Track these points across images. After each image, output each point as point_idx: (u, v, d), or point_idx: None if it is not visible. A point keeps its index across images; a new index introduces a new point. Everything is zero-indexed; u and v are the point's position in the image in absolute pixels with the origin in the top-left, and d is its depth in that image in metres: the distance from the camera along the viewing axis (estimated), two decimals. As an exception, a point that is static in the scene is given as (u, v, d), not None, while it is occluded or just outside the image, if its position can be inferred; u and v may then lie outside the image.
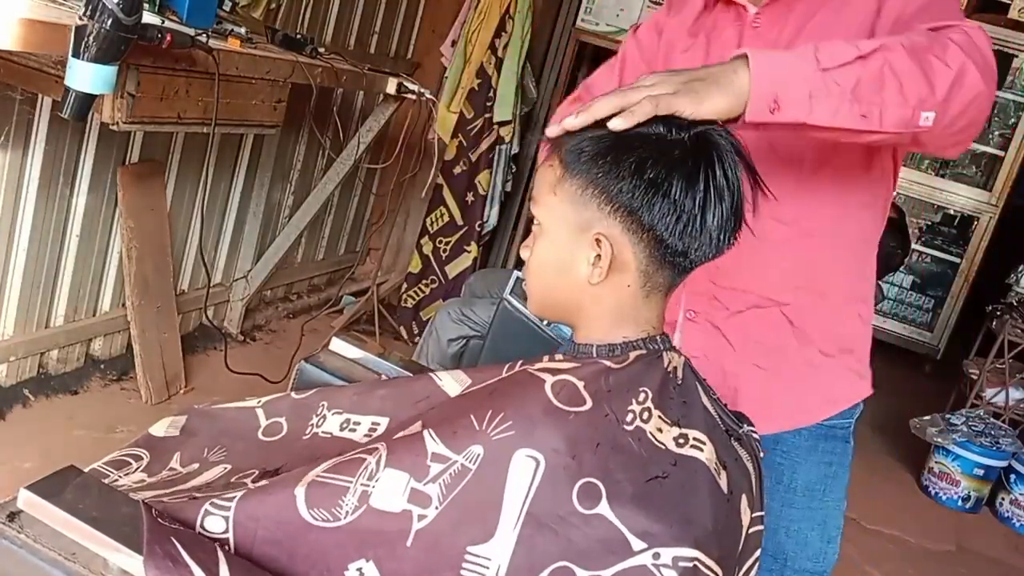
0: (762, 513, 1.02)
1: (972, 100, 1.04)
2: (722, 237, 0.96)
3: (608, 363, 0.94)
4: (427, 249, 3.83)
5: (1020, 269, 4.29)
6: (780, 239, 1.25)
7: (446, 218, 3.79)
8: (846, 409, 1.33)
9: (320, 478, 0.88)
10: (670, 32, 1.38)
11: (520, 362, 0.98)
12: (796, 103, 0.97)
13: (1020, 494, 3.61)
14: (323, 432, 1.04)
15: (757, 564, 1.01)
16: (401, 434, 0.93)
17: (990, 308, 4.25)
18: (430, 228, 3.82)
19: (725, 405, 1.06)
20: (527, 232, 1.21)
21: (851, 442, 1.35)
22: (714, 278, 1.28)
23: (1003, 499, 3.67)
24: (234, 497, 0.87)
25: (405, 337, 3.83)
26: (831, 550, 1.36)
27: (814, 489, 1.33)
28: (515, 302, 1.87)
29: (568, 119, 0.96)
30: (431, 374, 1.06)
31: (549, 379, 0.91)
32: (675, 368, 0.98)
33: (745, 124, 0.98)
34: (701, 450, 0.92)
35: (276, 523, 0.86)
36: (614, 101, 0.94)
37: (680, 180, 0.92)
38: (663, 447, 0.91)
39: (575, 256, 0.97)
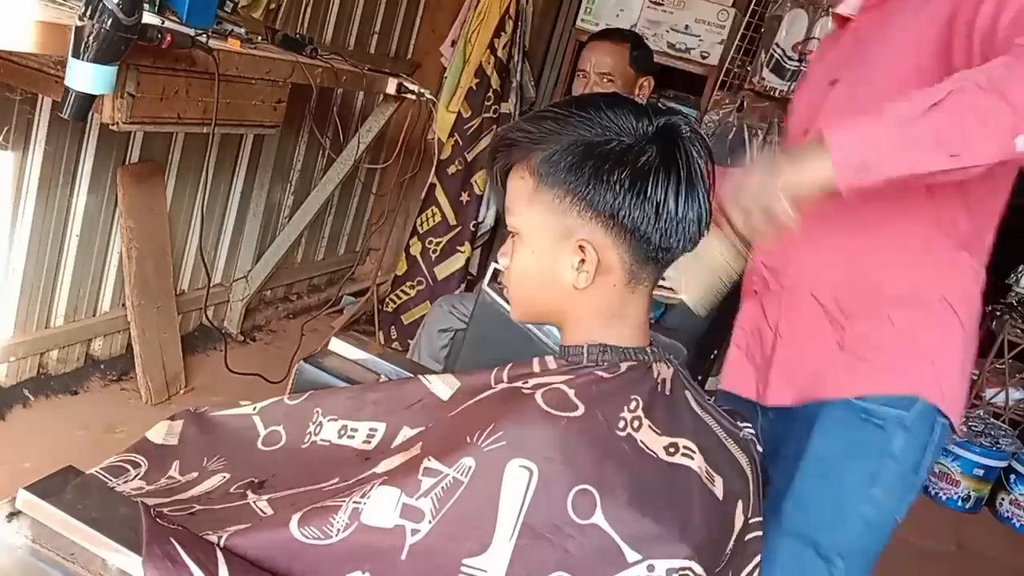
0: (760, 519, 1.02)
1: None
2: (700, 228, 0.97)
3: (600, 373, 0.94)
4: (415, 250, 3.72)
5: (1020, 269, 4.28)
6: (833, 239, 1.31)
7: (438, 218, 3.70)
8: (877, 395, 1.28)
9: (314, 506, 0.88)
10: None
11: (509, 366, 0.98)
12: (881, 160, 1.02)
13: (1020, 494, 3.61)
14: (321, 440, 1.04)
15: (758, 571, 1.01)
16: (400, 462, 0.92)
17: (990, 308, 4.24)
18: (420, 229, 3.72)
19: (720, 408, 1.06)
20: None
21: (888, 432, 1.27)
22: (766, 260, 1.38)
23: (1003, 499, 3.67)
24: (229, 530, 0.87)
25: (382, 341, 3.71)
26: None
27: (830, 463, 1.30)
28: (493, 293, 1.85)
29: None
30: (420, 377, 1.06)
31: (539, 392, 0.91)
32: (664, 380, 0.97)
33: (845, 192, 1.03)
34: (692, 458, 0.92)
35: (267, 543, 0.86)
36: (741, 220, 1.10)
37: (659, 180, 0.93)
38: (654, 455, 0.90)
39: (558, 263, 0.97)
